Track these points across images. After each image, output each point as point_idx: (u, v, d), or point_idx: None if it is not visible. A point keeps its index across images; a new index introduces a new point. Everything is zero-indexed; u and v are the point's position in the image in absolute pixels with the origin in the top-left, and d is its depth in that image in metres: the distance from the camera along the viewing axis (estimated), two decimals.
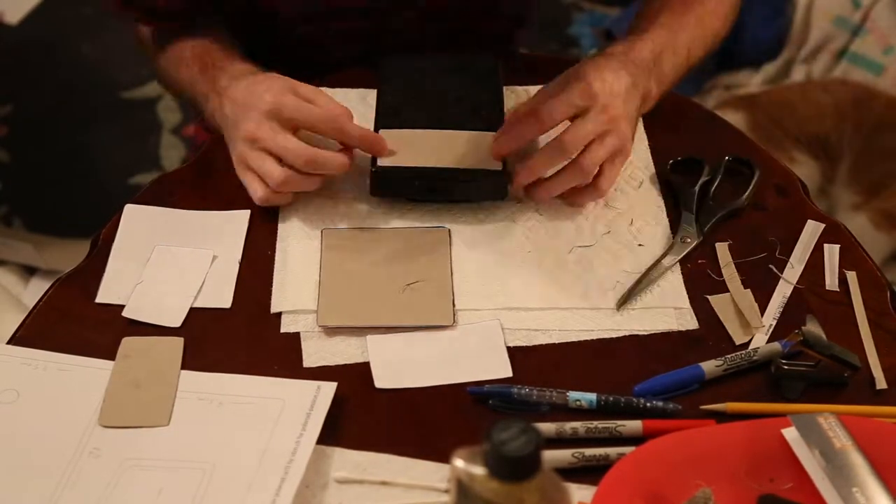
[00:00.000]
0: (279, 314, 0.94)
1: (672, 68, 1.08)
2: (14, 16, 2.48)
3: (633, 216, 1.03)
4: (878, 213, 1.81)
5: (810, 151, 1.87)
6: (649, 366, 0.90)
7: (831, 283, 0.98)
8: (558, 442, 0.84)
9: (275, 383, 0.88)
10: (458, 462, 0.66)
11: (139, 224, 1.02)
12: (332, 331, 0.93)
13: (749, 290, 0.96)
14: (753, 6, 2.12)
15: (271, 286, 0.97)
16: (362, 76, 1.14)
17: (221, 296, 0.96)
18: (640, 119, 1.09)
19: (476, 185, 1.01)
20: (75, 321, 0.94)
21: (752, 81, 2.13)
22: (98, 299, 0.95)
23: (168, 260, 0.98)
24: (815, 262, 0.99)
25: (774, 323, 0.94)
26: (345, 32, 1.23)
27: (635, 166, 1.08)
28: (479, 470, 0.64)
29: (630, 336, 0.93)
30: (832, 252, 1.00)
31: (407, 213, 1.03)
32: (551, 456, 0.82)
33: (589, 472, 0.82)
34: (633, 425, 0.85)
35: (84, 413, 0.86)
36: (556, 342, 0.93)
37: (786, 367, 0.89)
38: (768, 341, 0.92)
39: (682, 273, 0.98)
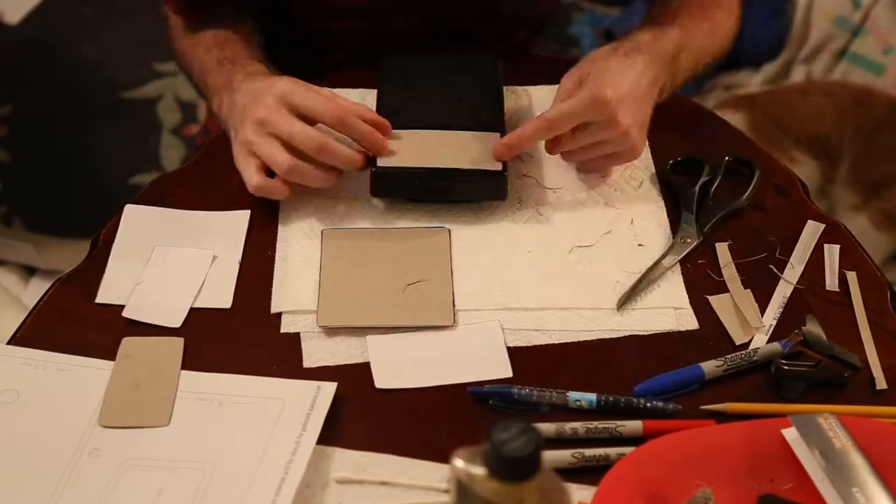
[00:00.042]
0: (279, 314, 0.94)
1: (685, 69, 1.08)
2: (14, 16, 2.48)
3: (633, 216, 1.03)
4: (878, 213, 1.81)
5: (810, 151, 1.87)
6: (649, 366, 0.90)
7: (831, 283, 0.98)
8: (558, 442, 0.84)
9: (275, 383, 0.88)
10: (458, 462, 0.66)
11: (139, 224, 1.02)
12: (332, 331, 0.93)
13: (749, 290, 0.96)
14: (753, 6, 2.12)
15: (271, 286, 0.97)
16: (362, 76, 1.14)
17: (221, 296, 0.96)
18: None
19: (476, 185, 1.01)
20: (75, 321, 0.94)
21: (752, 81, 2.13)
22: (98, 299, 0.95)
23: (168, 260, 0.98)
24: (815, 263, 0.99)
25: (774, 323, 0.94)
26: (345, 32, 1.23)
27: (635, 166, 1.08)
28: (479, 470, 0.64)
29: (630, 336, 0.93)
30: (832, 252, 1.00)
31: (407, 213, 1.03)
32: (551, 456, 0.82)
33: (589, 472, 0.82)
34: (633, 425, 0.85)
35: (84, 413, 0.86)
36: (556, 342, 0.93)
37: (786, 367, 0.89)
38: (768, 341, 0.92)
39: (682, 273, 0.98)
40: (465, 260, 0.99)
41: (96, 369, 0.89)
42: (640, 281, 0.97)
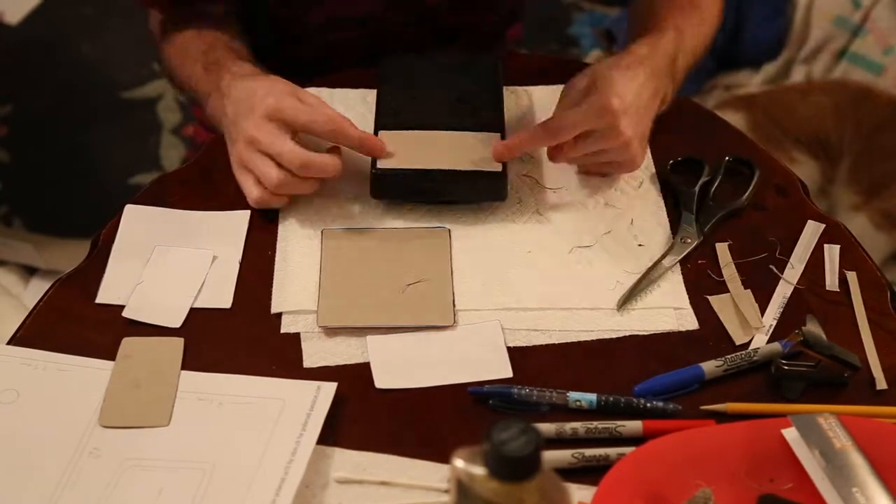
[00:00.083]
0: (279, 314, 0.94)
1: (684, 69, 1.08)
2: (14, 16, 2.48)
3: (633, 216, 1.03)
4: (878, 213, 1.81)
5: (810, 151, 1.87)
6: (649, 366, 0.90)
7: (831, 283, 0.98)
8: (558, 442, 0.84)
9: (275, 383, 0.88)
10: (458, 462, 0.66)
11: (139, 224, 1.02)
12: (332, 331, 0.93)
13: (749, 290, 0.96)
14: (753, 6, 2.12)
15: (271, 286, 0.97)
16: (362, 76, 1.14)
17: (221, 296, 0.96)
18: None
19: (475, 186, 1.01)
20: (75, 321, 0.94)
21: (752, 81, 2.13)
22: (98, 299, 0.95)
23: (168, 260, 0.98)
24: (816, 263, 0.99)
25: (774, 323, 0.94)
26: (343, 42, 1.23)
27: None
28: (479, 470, 0.64)
29: (630, 336, 0.93)
30: (832, 252, 1.00)
31: (407, 213, 1.03)
32: (551, 456, 0.82)
33: (589, 473, 0.82)
34: (633, 426, 0.85)
35: (84, 413, 0.86)
36: (556, 342, 0.93)
37: (786, 367, 0.89)
38: (768, 341, 0.92)
39: (683, 273, 0.98)
40: (465, 260, 0.99)
41: (96, 369, 0.89)
42: (640, 281, 0.97)
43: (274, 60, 1.15)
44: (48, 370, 0.89)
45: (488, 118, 1.05)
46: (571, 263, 0.99)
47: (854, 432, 0.80)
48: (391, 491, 0.82)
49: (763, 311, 0.95)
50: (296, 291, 0.96)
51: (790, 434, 0.82)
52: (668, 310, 0.95)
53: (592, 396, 0.87)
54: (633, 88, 0.98)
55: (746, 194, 1.04)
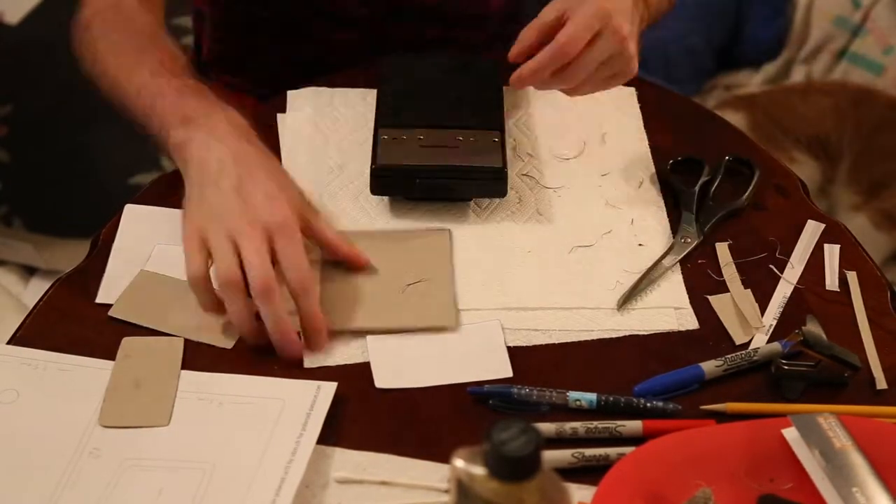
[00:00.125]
0: None
1: (655, 8, 1.06)
2: (14, 16, 2.47)
3: (633, 216, 1.03)
4: (878, 213, 1.81)
5: (810, 151, 1.87)
6: (649, 366, 0.90)
7: (831, 283, 0.98)
8: (558, 442, 0.84)
9: (275, 383, 0.88)
10: (458, 462, 0.66)
11: (139, 224, 1.02)
12: (332, 331, 0.93)
13: (749, 290, 0.96)
14: (753, 6, 2.12)
15: None
16: (362, 76, 1.14)
17: None
18: (640, 118, 1.09)
19: (476, 183, 1.01)
20: (75, 321, 0.94)
21: (752, 81, 2.13)
22: (98, 299, 0.95)
23: (168, 260, 0.98)
24: (816, 262, 0.99)
25: (774, 323, 0.94)
26: (343, 42, 1.23)
27: (635, 166, 1.08)
28: (479, 470, 0.64)
29: (630, 336, 0.93)
30: (832, 252, 1.00)
31: (407, 213, 1.03)
32: (551, 456, 0.82)
33: (589, 472, 0.81)
34: (633, 425, 0.85)
35: (84, 413, 0.86)
36: (556, 342, 0.93)
37: (786, 367, 0.89)
38: (768, 341, 0.92)
39: (683, 273, 0.98)
40: (465, 260, 0.99)
41: (96, 369, 0.89)
42: (640, 281, 0.97)
43: (274, 60, 1.15)
44: (48, 370, 0.89)
45: (488, 117, 1.05)
46: (571, 263, 0.99)
47: (854, 432, 0.80)
48: (391, 491, 0.82)
49: (763, 310, 0.95)
50: None
51: (790, 434, 0.82)
52: (668, 309, 0.95)
53: (592, 396, 0.87)
54: None
55: (746, 194, 1.04)
